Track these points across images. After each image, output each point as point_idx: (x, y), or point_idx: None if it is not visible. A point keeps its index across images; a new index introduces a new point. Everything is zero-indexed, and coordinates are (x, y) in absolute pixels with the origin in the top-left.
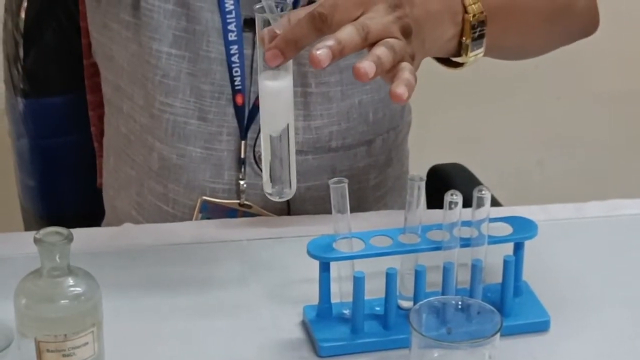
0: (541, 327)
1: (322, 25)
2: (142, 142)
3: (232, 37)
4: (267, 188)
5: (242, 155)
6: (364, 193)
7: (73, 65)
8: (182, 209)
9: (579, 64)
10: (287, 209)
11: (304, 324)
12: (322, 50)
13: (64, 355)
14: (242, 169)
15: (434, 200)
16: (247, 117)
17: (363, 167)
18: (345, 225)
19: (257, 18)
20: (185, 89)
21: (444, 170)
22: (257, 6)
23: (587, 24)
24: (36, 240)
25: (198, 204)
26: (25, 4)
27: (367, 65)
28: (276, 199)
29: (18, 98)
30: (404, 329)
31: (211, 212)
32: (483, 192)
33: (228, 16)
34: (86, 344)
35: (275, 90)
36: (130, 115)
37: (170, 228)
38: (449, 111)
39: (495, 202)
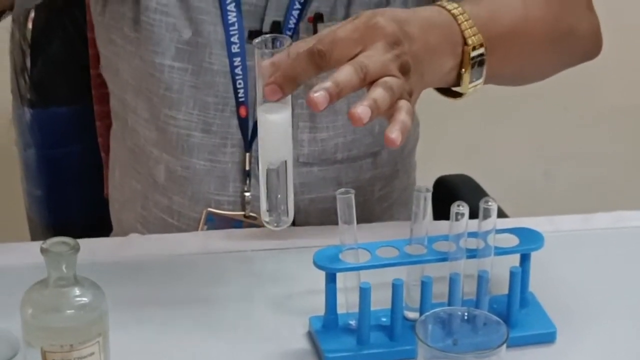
0: (547, 338)
1: (321, 62)
2: (147, 155)
3: (235, 49)
4: (265, 216)
5: (247, 167)
6: (369, 205)
7: (80, 76)
8: (187, 221)
9: (586, 75)
10: (292, 221)
11: (309, 335)
12: (319, 93)
13: None
14: (247, 181)
15: (440, 211)
16: (251, 129)
17: (368, 179)
18: (352, 236)
19: (256, 52)
20: (189, 102)
21: (451, 181)
22: (257, 40)
23: (590, 49)
24: (43, 250)
25: (203, 216)
26: (32, 15)
27: (362, 111)
28: (273, 228)
29: (25, 108)
30: (410, 340)
31: (216, 224)
32: (489, 203)
33: (231, 28)
34: (92, 354)
35: (275, 123)
36: (135, 128)
37: (176, 238)
38: (455, 122)
39: (501, 214)
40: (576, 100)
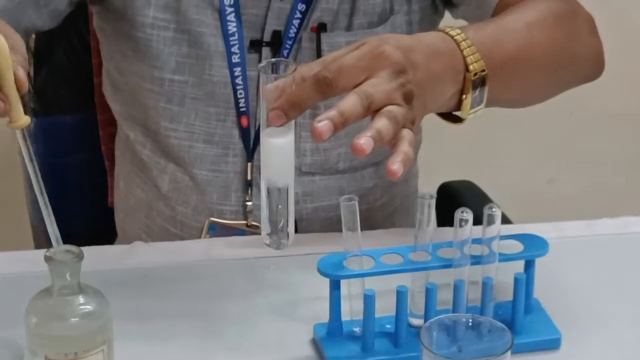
0: (552, 344)
1: (326, 89)
2: (150, 166)
3: (235, 59)
4: (265, 239)
5: (249, 177)
6: (371, 213)
7: (83, 85)
8: (190, 231)
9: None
10: (295, 229)
11: (314, 342)
12: (323, 123)
13: None
14: (249, 190)
15: (444, 218)
16: (252, 139)
17: (371, 188)
18: (356, 243)
19: (261, 77)
20: (190, 113)
21: (454, 187)
22: (262, 64)
23: (592, 71)
24: (47, 259)
25: (206, 226)
26: None
27: (364, 142)
28: (273, 250)
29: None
30: (414, 347)
31: (219, 233)
32: (493, 209)
33: (231, 38)
34: None
35: (278, 147)
36: (138, 140)
37: (180, 246)
38: (458, 128)
39: (505, 220)
40: (581, 106)
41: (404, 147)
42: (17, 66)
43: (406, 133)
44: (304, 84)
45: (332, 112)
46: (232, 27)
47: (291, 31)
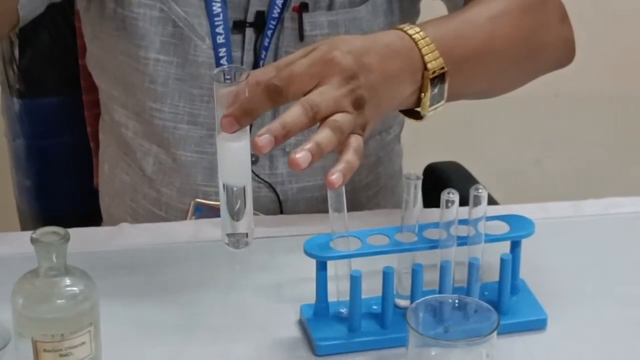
0: (538, 325)
1: (276, 97)
2: (135, 148)
3: (220, 39)
4: (224, 239)
5: None
6: (356, 193)
7: (69, 66)
8: (176, 212)
9: (577, 61)
10: (280, 209)
11: (300, 323)
12: (263, 137)
13: (61, 355)
14: None
15: (431, 199)
16: None
17: None
18: (342, 224)
19: (214, 85)
20: (174, 94)
21: (440, 168)
22: (215, 72)
23: (561, 58)
24: (33, 240)
25: (191, 207)
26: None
27: (301, 157)
28: (232, 249)
29: (14, 98)
30: (401, 328)
31: (204, 214)
32: (480, 190)
33: (216, 19)
34: (83, 343)
35: (233, 150)
36: (122, 122)
37: (166, 227)
38: (444, 109)
39: (492, 201)
40: (567, 87)
41: (348, 155)
42: None
43: (353, 140)
44: (256, 91)
45: (274, 125)
46: (216, 8)
47: (274, 11)
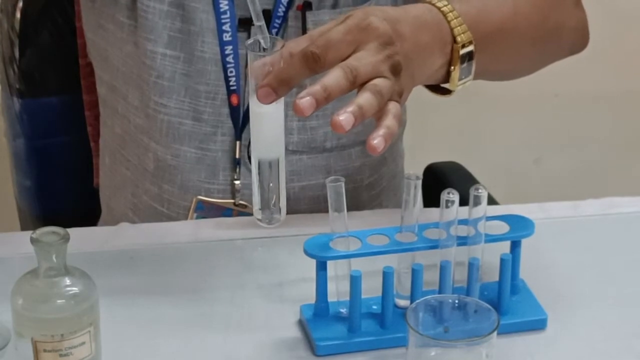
0: (538, 325)
1: (314, 65)
2: (137, 143)
3: (226, 37)
4: (257, 214)
5: (237, 156)
6: (358, 192)
7: (69, 65)
8: (177, 209)
9: (577, 61)
10: None
11: (300, 323)
12: (305, 99)
13: (61, 355)
14: (237, 169)
15: (431, 199)
16: (242, 117)
17: (358, 167)
18: (342, 224)
19: (248, 54)
20: (180, 90)
21: (441, 168)
22: (249, 42)
23: (577, 43)
24: (33, 240)
25: (193, 204)
26: (20, 4)
27: (344, 119)
28: (265, 225)
29: (14, 98)
30: (401, 328)
31: (206, 212)
32: (480, 190)
33: (223, 16)
34: (83, 343)
35: (267, 117)
36: (125, 115)
37: (166, 227)
38: (445, 109)
39: (492, 201)
40: (567, 87)
41: (388, 121)
42: None
43: (392, 106)
44: (292, 60)
45: (315, 87)
46: (223, 5)
47: (280, 10)
